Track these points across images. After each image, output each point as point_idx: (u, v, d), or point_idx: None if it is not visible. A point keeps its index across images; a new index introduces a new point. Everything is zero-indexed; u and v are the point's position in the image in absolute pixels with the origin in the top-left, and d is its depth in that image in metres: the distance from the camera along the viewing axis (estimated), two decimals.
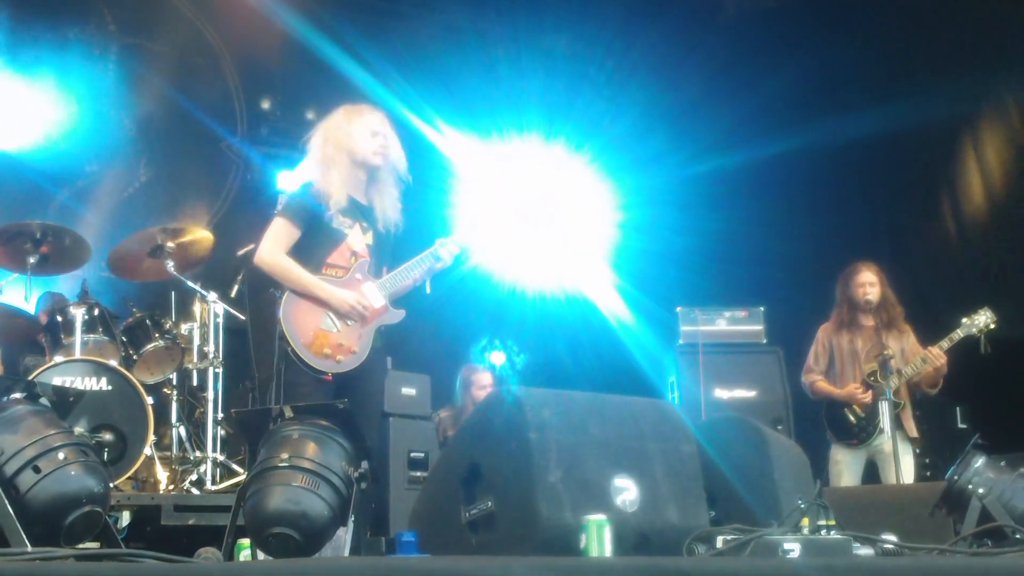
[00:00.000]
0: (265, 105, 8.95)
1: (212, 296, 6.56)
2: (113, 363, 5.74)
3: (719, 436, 4.06)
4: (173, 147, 8.81)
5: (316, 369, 4.45)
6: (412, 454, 5.89)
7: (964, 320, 6.34)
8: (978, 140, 8.53)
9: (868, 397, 6.34)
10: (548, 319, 10.89)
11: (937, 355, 6.23)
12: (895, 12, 8.65)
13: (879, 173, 9.13)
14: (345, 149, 4.65)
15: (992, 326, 6.32)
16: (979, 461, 3.91)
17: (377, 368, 4.70)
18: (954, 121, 8.60)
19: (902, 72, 8.88)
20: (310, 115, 8.88)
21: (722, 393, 7.61)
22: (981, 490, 3.82)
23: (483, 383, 7.14)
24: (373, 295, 4.62)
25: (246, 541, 3.32)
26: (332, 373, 4.48)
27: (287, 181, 8.72)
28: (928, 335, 6.48)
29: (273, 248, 4.59)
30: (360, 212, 4.68)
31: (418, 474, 5.80)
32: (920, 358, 6.29)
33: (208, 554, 3.55)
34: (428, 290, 4.83)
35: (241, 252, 6.71)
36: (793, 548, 2.95)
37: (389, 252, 4.81)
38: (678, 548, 3.19)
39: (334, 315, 4.53)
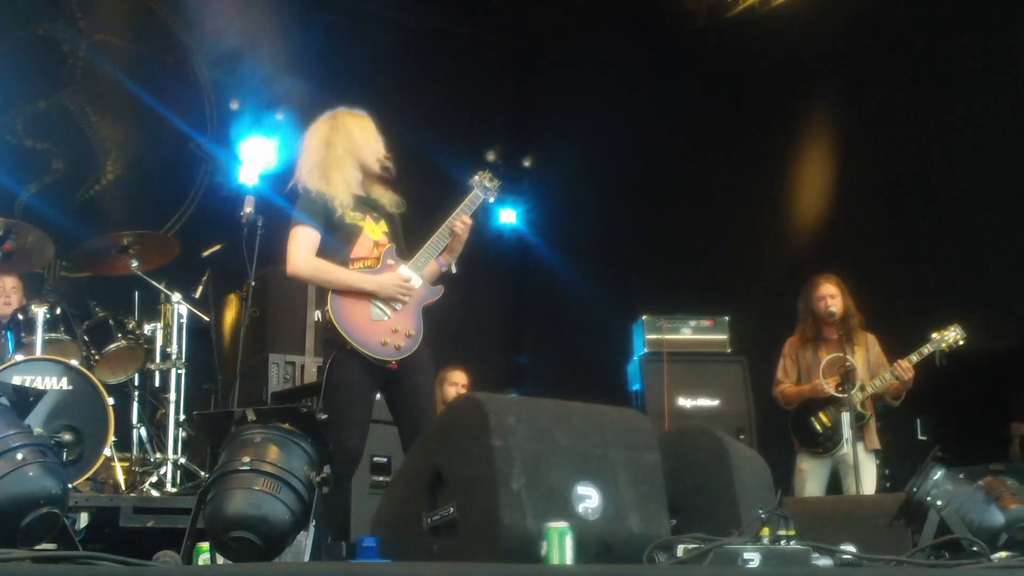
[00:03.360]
0: (234, 105, 8.91)
1: (176, 297, 6.52)
2: (74, 363, 5.68)
3: (682, 446, 4.08)
4: (142, 146, 8.76)
5: (382, 359, 4.50)
6: (375, 458, 5.86)
7: (934, 335, 6.40)
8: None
9: (832, 390, 6.34)
10: (516, 324, 10.94)
11: (906, 368, 6.29)
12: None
13: (843, 183, 9.20)
14: (353, 153, 4.73)
15: (961, 342, 6.38)
16: (938, 473, 3.95)
17: (426, 359, 4.72)
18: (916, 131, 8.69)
19: (868, 78, 8.96)
20: (279, 116, 8.87)
21: (686, 402, 7.64)
22: (940, 502, 3.86)
23: (455, 380, 7.12)
24: (411, 276, 4.68)
25: (206, 544, 3.30)
26: (396, 360, 4.53)
27: (247, 175, 8.72)
28: (893, 346, 6.54)
29: (305, 255, 4.62)
30: (366, 204, 4.76)
31: (381, 479, 5.78)
32: (888, 372, 6.34)
33: (167, 557, 3.51)
34: (454, 270, 4.88)
35: (206, 253, 6.68)
36: (753, 558, 2.96)
37: (401, 234, 4.88)
38: (639, 556, 3.20)
39: (382, 303, 4.59)
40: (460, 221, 4.79)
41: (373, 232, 4.74)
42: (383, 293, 4.59)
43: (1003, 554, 3.79)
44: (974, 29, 8.16)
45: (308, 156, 4.77)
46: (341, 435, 4.44)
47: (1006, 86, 8.00)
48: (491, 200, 5.04)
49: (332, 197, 4.63)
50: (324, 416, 4.42)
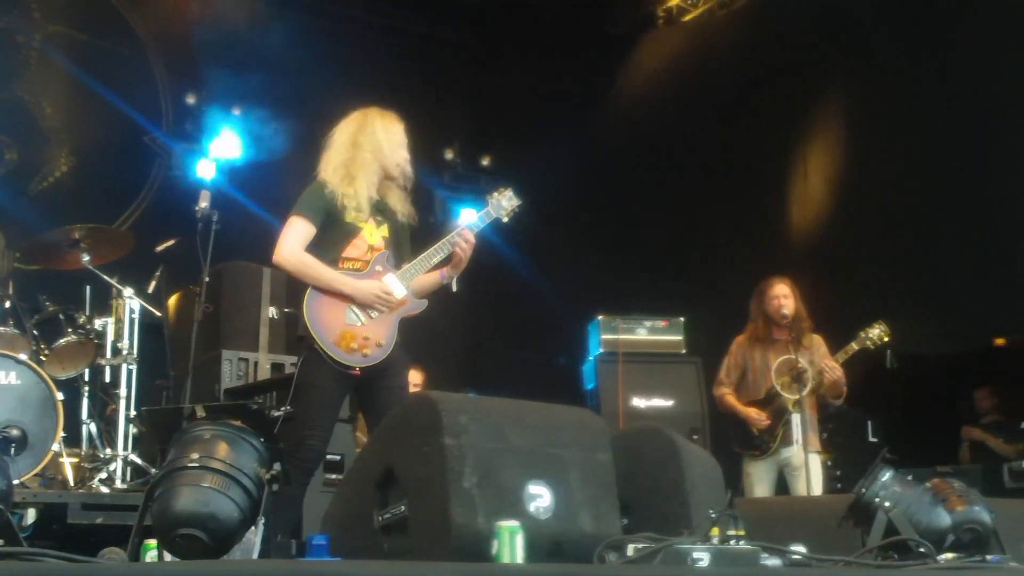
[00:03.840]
0: (191, 100, 8.84)
1: (128, 292, 6.44)
2: (23, 357, 5.60)
3: (634, 446, 4.09)
4: (96, 138, 8.67)
5: (345, 364, 4.48)
6: (328, 456, 5.82)
7: (860, 333, 6.49)
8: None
9: (765, 423, 6.44)
10: (473, 324, 10.92)
11: (833, 367, 6.35)
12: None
13: (798, 188, 9.28)
14: (379, 158, 4.70)
15: (886, 339, 6.45)
16: (886, 475, 3.99)
17: (401, 362, 4.71)
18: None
19: (823, 83, 9.04)
20: (236, 111, 8.82)
21: (640, 402, 7.69)
22: (888, 503, 3.90)
23: (410, 380, 7.08)
24: (395, 286, 4.65)
25: (153, 542, 3.26)
26: (360, 368, 4.50)
27: (206, 169, 8.66)
28: (838, 348, 6.61)
29: (293, 246, 4.59)
30: (376, 208, 4.72)
31: (333, 477, 5.75)
32: (818, 370, 6.40)
33: (112, 554, 3.48)
34: (454, 288, 4.88)
35: (160, 248, 6.61)
36: (702, 557, 2.97)
37: (407, 245, 4.84)
38: (590, 556, 3.20)
39: (358, 309, 4.56)
40: (462, 239, 4.75)
41: (371, 236, 4.70)
42: (360, 299, 4.56)
43: (949, 555, 3.84)
44: (928, 37, 8.26)
45: (335, 153, 4.74)
46: (303, 434, 4.45)
47: (950, 92, 8.11)
48: (504, 220, 5.03)
49: (347, 195, 4.61)
50: (290, 411, 4.44)
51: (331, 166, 4.70)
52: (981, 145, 8.01)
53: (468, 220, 4.92)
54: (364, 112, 4.83)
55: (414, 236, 4.90)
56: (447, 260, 4.80)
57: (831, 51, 8.80)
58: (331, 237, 4.64)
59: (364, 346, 4.54)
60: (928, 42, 8.26)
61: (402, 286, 4.67)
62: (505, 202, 4.99)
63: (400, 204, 4.80)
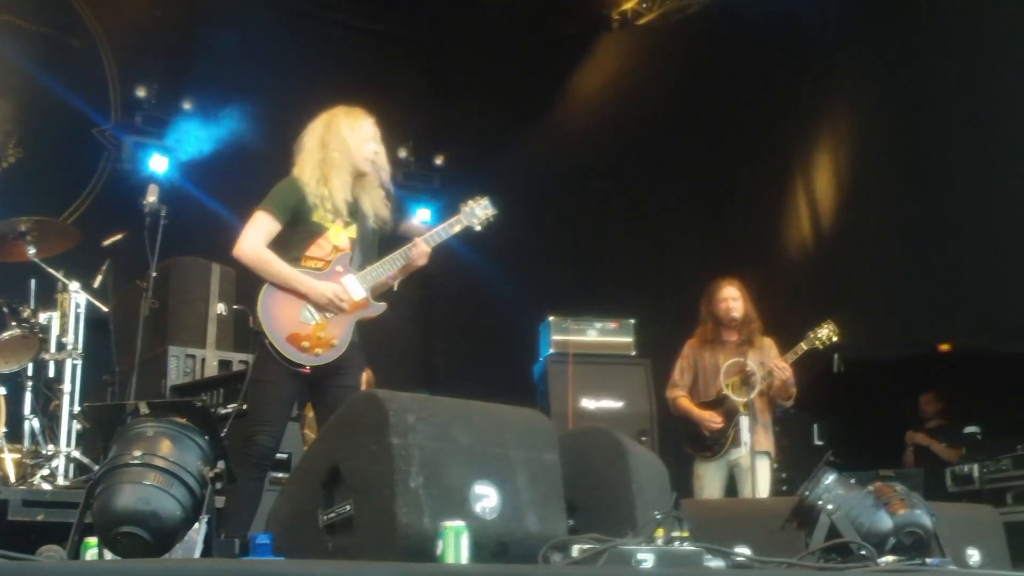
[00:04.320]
0: (141, 93, 8.74)
1: (74, 286, 6.36)
2: None
3: (582, 447, 4.10)
4: (44, 129, 8.56)
5: (294, 363, 4.46)
6: (275, 455, 5.79)
7: (809, 334, 6.56)
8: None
9: (719, 425, 6.49)
10: (427, 325, 10.90)
11: (782, 368, 6.41)
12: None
13: (749, 190, 9.35)
14: (346, 155, 4.68)
15: (835, 339, 6.52)
16: (830, 478, 4.04)
17: (355, 362, 4.71)
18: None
19: (774, 88, 9.11)
20: (186, 105, 8.74)
21: (589, 403, 7.70)
22: (831, 506, 3.95)
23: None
24: (354, 288, 4.64)
25: (94, 540, 3.22)
26: (310, 366, 4.49)
27: (160, 165, 8.58)
28: (787, 351, 6.67)
29: (254, 241, 4.57)
30: (347, 208, 4.70)
31: (280, 475, 5.71)
32: (767, 371, 6.46)
33: (51, 552, 3.43)
34: (394, 288, 4.84)
35: (107, 242, 6.53)
36: (646, 558, 2.99)
37: (375, 248, 4.82)
38: (536, 556, 3.20)
39: (313, 308, 4.54)
40: (418, 251, 4.75)
41: (336, 236, 4.68)
42: (315, 299, 4.55)
43: (890, 558, 3.89)
44: (882, 45, 8.36)
45: (308, 155, 4.72)
46: (253, 430, 4.46)
47: (901, 99, 8.22)
48: (477, 228, 5.00)
49: (323, 196, 4.61)
50: (242, 408, 4.41)
51: (308, 168, 4.68)
52: (929, 153, 8.11)
53: (432, 227, 4.90)
54: (331, 112, 4.83)
55: (383, 240, 4.89)
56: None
57: (782, 58, 8.88)
58: (296, 235, 4.63)
59: (317, 345, 4.53)
60: (882, 50, 8.37)
61: (361, 288, 4.66)
62: (479, 211, 5.00)
63: (374, 206, 4.78)
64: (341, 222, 4.69)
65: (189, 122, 8.91)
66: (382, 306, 4.76)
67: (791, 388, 6.54)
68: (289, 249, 4.60)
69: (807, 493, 4.03)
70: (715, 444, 6.54)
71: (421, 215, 10.55)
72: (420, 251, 4.76)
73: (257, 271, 4.61)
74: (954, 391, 8.90)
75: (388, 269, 4.73)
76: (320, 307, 4.56)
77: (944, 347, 8.30)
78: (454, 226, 4.92)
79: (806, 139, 8.92)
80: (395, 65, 10.91)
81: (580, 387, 7.69)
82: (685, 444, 6.70)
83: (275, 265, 4.55)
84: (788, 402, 6.73)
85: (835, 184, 8.75)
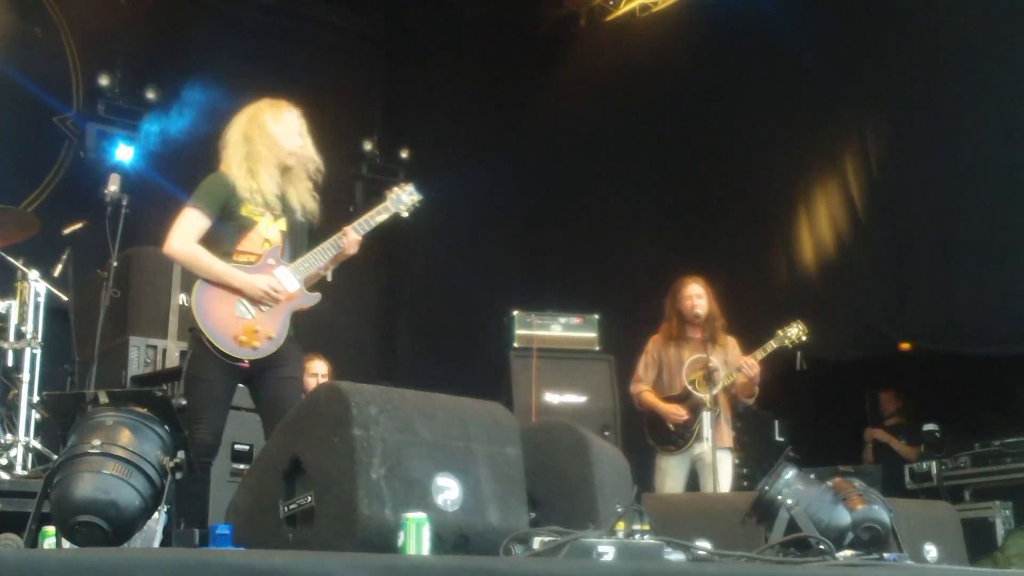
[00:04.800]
0: (103, 81, 8.66)
1: (34, 274, 6.29)
2: None
3: (544, 441, 4.11)
4: (3, 117, 8.45)
5: (233, 357, 4.46)
6: (236, 446, 5.77)
7: (778, 332, 6.62)
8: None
9: (684, 418, 6.53)
10: (391, 317, 10.87)
11: (751, 364, 6.47)
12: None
13: (714, 188, 9.39)
14: (270, 148, 4.66)
15: (804, 338, 6.59)
16: (789, 473, 4.07)
17: (292, 354, 4.69)
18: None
19: (742, 85, 9.15)
20: (150, 94, 8.66)
21: (553, 398, 7.72)
22: (790, 501, 3.98)
23: (315, 371, 7.04)
24: (287, 280, 4.63)
25: (51, 529, 3.20)
26: (249, 360, 4.50)
27: (125, 154, 8.50)
28: (749, 349, 6.72)
29: (184, 237, 4.56)
30: (275, 201, 4.68)
31: (241, 467, 5.69)
32: (736, 368, 6.51)
33: (7, 540, 3.40)
34: (329, 278, 4.84)
35: (68, 230, 6.47)
36: (607, 551, 2.99)
37: (304, 241, 4.81)
38: (497, 548, 3.20)
39: (247, 302, 4.54)
40: (348, 240, 4.76)
41: (266, 229, 4.68)
42: (249, 293, 4.55)
43: (848, 552, 3.92)
44: (846, 45, 8.42)
45: (233, 149, 4.71)
46: (193, 427, 4.42)
47: (866, 97, 8.27)
48: (404, 215, 5.01)
49: (251, 190, 4.60)
50: (183, 404, 4.39)
51: (234, 162, 4.68)
52: (889, 158, 8.19)
53: (363, 216, 4.89)
54: (255, 105, 4.81)
55: (313, 233, 4.88)
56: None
57: (748, 56, 8.93)
58: (226, 230, 4.62)
59: (254, 339, 4.53)
60: (847, 50, 8.43)
61: (295, 280, 4.67)
62: (405, 197, 5.00)
63: (301, 199, 4.77)
64: (271, 215, 4.68)
65: (153, 112, 8.83)
66: (316, 296, 4.77)
67: (755, 387, 6.59)
68: (220, 244, 4.60)
69: (767, 488, 4.06)
70: (679, 438, 6.58)
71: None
72: (350, 240, 4.77)
73: (189, 267, 4.64)
74: (913, 390, 8.99)
75: (320, 260, 4.74)
76: (255, 300, 4.56)
77: (905, 346, 8.37)
78: (382, 213, 4.93)
79: (770, 138, 8.96)
80: (360, 59, 10.87)
81: (544, 382, 7.71)
82: (648, 438, 6.74)
83: (207, 260, 4.55)
84: (751, 400, 6.79)
85: (798, 185, 8.81)
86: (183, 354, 4.74)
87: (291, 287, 4.64)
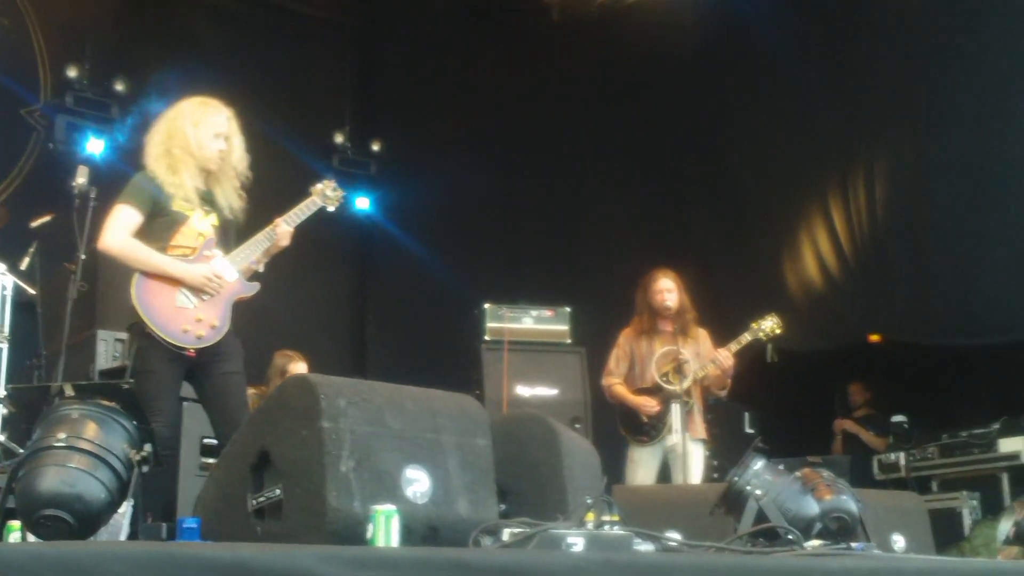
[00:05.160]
0: (72, 72, 8.58)
1: (1, 267, 6.24)
2: None
3: (514, 432, 4.11)
4: None
5: (178, 346, 4.47)
6: (205, 440, 5.74)
7: (752, 325, 6.65)
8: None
9: (655, 410, 6.55)
10: (363, 312, 10.83)
11: (725, 357, 6.50)
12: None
13: (687, 182, 9.42)
14: (189, 152, 4.68)
15: (778, 331, 6.62)
16: (758, 464, 4.08)
17: (234, 348, 4.72)
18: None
19: (716, 78, 9.18)
20: (119, 86, 8.60)
21: (524, 390, 7.73)
22: (759, 491, 3.99)
23: (296, 372, 7.01)
24: (225, 269, 4.66)
25: (17, 523, 3.17)
26: (195, 348, 4.51)
27: (96, 147, 8.43)
28: (723, 340, 6.75)
29: (117, 233, 4.59)
30: (202, 197, 4.72)
31: (210, 461, 5.66)
32: (710, 360, 6.54)
33: None
34: (260, 269, 4.85)
35: (35, 223, 6.42)
36: (576, 542, 3.00)
37: (233, 237, 4.84)
38: (466, 540, 3.20)
39: (188, 292, 4.56)
40: (281, 231, 4.79)
41: (199, 223, 4.71)
42: (190, 281, 4.58)
43: (816, 542, 3.94)
44: (818, 44, 8.46)
45: (154, 146, 4.75)
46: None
47: (836, 94, 8.31)
48: (330, 209, 5.10)
49: (174, 185, 4.63)
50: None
51: (152, 156, 4.72)
52: (863, 147, 8.24)
53: (291, 210, 4.93)
54: (179, 105, 4.84)
55: (239, 232, 4.91)
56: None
57: (725, 49, 8.96)
58: (159, 225, 4.65)
59: (198, 327, 4.56)
60: (825, 43, 8.47)
61: (233, 269, 4.71)
62: (330, 192, 5.07)
63: (228, 199, 4.81)
64: (202, 210, 4.72)
65: (122, 104, 8.76)
66: (255, 286, 4.81)
67: (728, 379, 6.63)
68: (154, 240, 4.62)
69: (736, 479, 4.07)
70: (652, 430, 6.60)
71: (361, 204, 10.47)
72: (283, 231, 4.80)
73: (126, 262, 4.63)
74: (882, 382, 9.05)
75: (255, 251, 4.78)
76: (196, 289, 4.59)
77: (874, 338, 8.43)
78: (309, 207, 4.96)
79: (742, 131, 9.00)
80: (330, 48, 10.82)
81: (515, 374, 7.72)
82: (621, 428, 6.75)
83: (143, 253, 4.58)
84: (723, 392, 6.82)
85: (769, 177, 8.85)
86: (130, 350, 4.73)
87: (229, 276, 4.69)
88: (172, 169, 4.66)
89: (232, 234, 4.85)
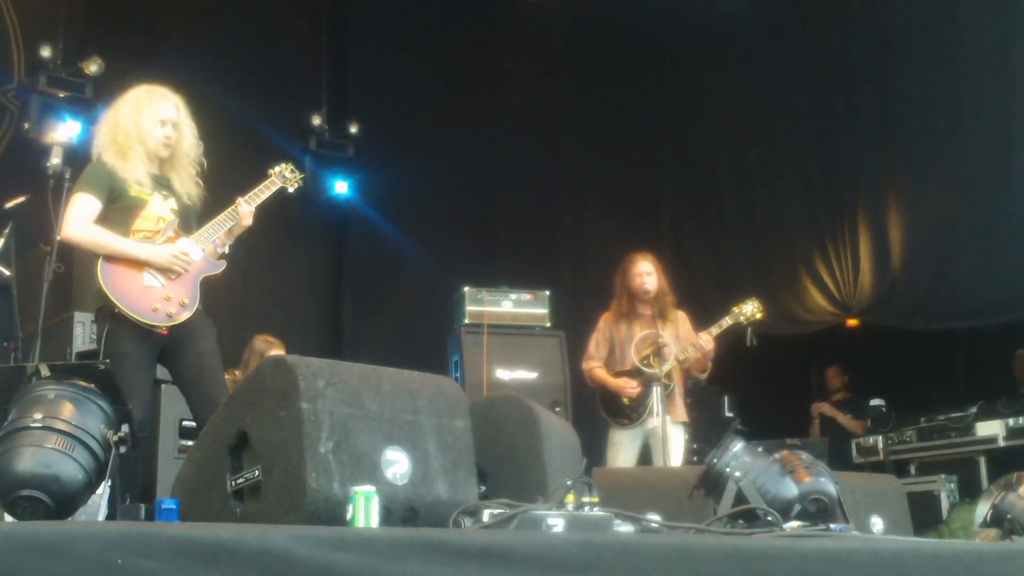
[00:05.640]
0: (45, 53, 8.48)
1: None
2: None
3: (493, 414, 4.10)
4: None
5: (150, 325, 4.46)
6: (184, 422, 5.71)
7: (733, 309, 6.67)
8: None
9: (636, 391, 6.56)
10: (340, 295, 10.80)
11: (706, 341, 6.51)
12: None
13: (665, 170, 9.42)
14: (135, 139, 4.68)
15: (759, 316, 6.64)
16: (737, 446, 4.09)
17: (206, 327, 4.72)
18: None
19: (689, 77, 9.18)
20: (93, 67, 8.51)
21: (504, 374, 7.72)
22: (738, 473, 4.00)
23: (271, 353, 6.97)
24: (190, 249, 4.67)
25: None
26: (167, 327, 4.50)
27: (67, 131, 8.34)
28: (701, 324, 6.76)
29: (79, 221, 4.58)
30: (158, 183, 4.73)
31: (189, 443, 5.63)
32: (691, 344, 6.55)
33: None
34: (226, 250, 4.86)
35: (9, 204, 6.35)
36: (556, 523, 3.00)
37: (194, 222, 4.84)
38: (446, 522, 3.20)
39: (156, 272, 4.56)
40: (243, 211, 4.81)
41: (158, 207, 4.71)
42: (156, 261, 4.57)
43: (795, 523, 3.95)
44: (796, 20, 8.47)
45: (105, 132, 4.76)
46: None
47: (814, 79, 8.33)
48: (290, 190, 5.13)
49: (125, 170, 4.64)
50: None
51: (102, 143, 4.73)
52: (842, 129, 8.25)
53: (252, 191, 4.95)
54: (126, 95, 4.83)
55: (201, 215, 4.91)
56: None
57: (700, 33, 8.95)
58: (118, 211, 4.64)
59: (167, 306, 4.55)
60: (799, 28, 8.48)
61: (198, 248, 4.71)
62: (288, 174, 5.12)
63: (183, 185, 4.82)
64: (160, 195, 4.73)
65: (95, 84, 8.67)
66: (222, 263, 4.82)
67: (708, 363, 6.64)
68: (115, 225, 4.62)
69: (715, 461, 4.08)
70: (632, 412, 6.61)
71: (340, 188, 10.42)
72: (245, 211, 4.82)
73: (91, 248, 4.62)
74: (860, 365, 9.09)
75: (217, 231, 4.78)
76: (163, 269, 4.58)
77: (852, 322, 8.46)
78: (269, 188, 4.99)
79: (719, 114, 9.01)
80: (304, 29, 10.74)
81: (495, 358, 7.71)
82: (602, 411, 6.76)
83: (107, 238, 4.56)
84: (703, 375, 6.83)
85: (748, 162, 8.86)
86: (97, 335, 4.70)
87: (195, 255, 4.69)
88: (121, 155, 4.67)
89: (192, 220, 4.85)
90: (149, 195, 4.67)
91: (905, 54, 7.84)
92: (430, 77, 10.13)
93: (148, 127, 4.71)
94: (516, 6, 9.63)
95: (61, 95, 8.53)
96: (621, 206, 9.38)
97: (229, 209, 4.82)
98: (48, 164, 5.57)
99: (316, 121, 10.21)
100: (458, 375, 7.70)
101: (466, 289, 7.98)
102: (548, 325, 8.07)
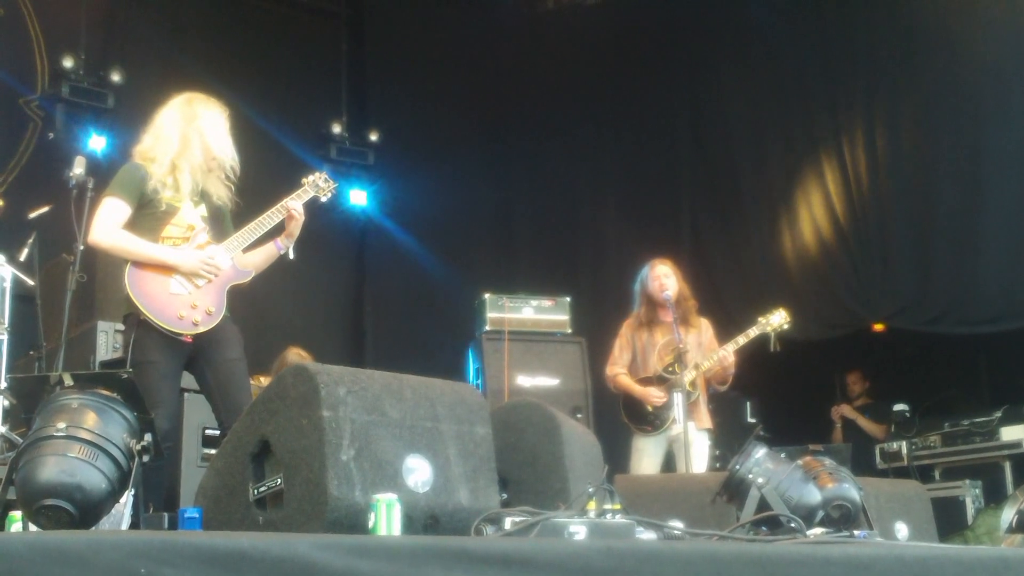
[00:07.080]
0: (67, 63, 8.54)
1: (0, 259, 6.22)
2: None
3: (514, 421, 4.10)
4: None
5: (175, 332, 4.45)
6: (207, 431, 5.73)
7: (760, 319, 6.63)
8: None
9: (662, 400, 6.54)
10: (361, 304, 10.81)
11: (725, 355, 6.49)
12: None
13: (684, 175, 9.40)
14: (207, 154, 4.69)
15: (786, 326, 6.61)
16: (760, 452, 4.07)
17: (233, 334, 4.70)
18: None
19: (708, 80, 9.16)
20: (115, 76, 8.56)
21: (525, 381, 7.72)
22: (760, 480, 3.98)
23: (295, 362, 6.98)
24: (219, 256, 4.64)
25: (18, 514, 3.15)
26: (192, 335, 4.50)
27: (98, 144, 8.39)
28: (721, 331, 6.73)
29: (107, 226, 4.57)
30: (191, 189, 4.69)
31: (212, 451, 5.65)
32: (714, 355, 6.52)
33: None
34: (292, 256, 4.86)
35: (33, 214, 6.39)
36: (578, 531, 2.99)
37: (228, 225, 4.83)
38: (468, 529, 3.20)
39: (182, 278, 4.55)
40: (289, 208, 4.79)
41: (189, 215, 4.69)
42: (185, 268, 4.56)
43: (818, 530, 3.93)
44: (817, 21, 8.44)
45: (165, 145, 4.69)
46: None
47: (829, 77, 8.29)
48: (323, 199, 5.10)
49: (165, 177, 4.61)
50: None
51: (159, 155, 4.67)
52: (865, 136, 8.22)
53: (289, 197, 4.92)
54: (189, 101, 4.79)
55: (235, 217, 4.90)
56: (277, 232, 4.84)
57: (721, 36, 8.94)
58: (148, 217, 4.62)
59: (193, 313, 4.54)
60: (820, 30, 8.46)
61: (227, 256, 4.69)
62: (322, 183, 5.09)
63: (216, 190, 4.79)
64: (191, 202, 4.70)
65: (118, 94, 8.72)
66: (249, 272, 4.80)
67: (728, 375, 6.62)
68: (144, 232, 4.60)
69: (737, 467, 4.06)
70: (656, 419, 6.60)
71: (357, 198, 10.42)
72: (295, 206, 4.80)
73: (118, 253, 4.62)
74: (883, 370, 9.04)
75: (251, 236, 4.77)
76: (190, 275, 4.57)
77: (878, 327, 8.42)
78: (302, 196, 4.96)
79: (742, 119, 8.98)
80: (323, 37, 10.77)
81: (516, 365, 7.70)
82: (625, 418, 6.74)
83: (135, 244, 4.55)
84: (723, 387, 6.81)
85: (769, 165, 8.83)
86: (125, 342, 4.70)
87: (224, 263, 4.67)
88: (172, 167, 4.63)
89: (223, 224, 4.83)
90: (180, 201, 4.66)
91: (929, 56, 7.80)
92: (449, 84, 10.14)
93: (217, 145, 4.71)
94: (535, 13, 9.64)
95: (83, 104, 8.59)
96: (641, 211, 9.37)
97: (270, 211, 4.79)
98: (71, 174, 5.60)
99: (336, 129, 10.24)
100: (479, 382, 7.70)
101: (486, 296, 7.99)
102: (569, 331, 8.06)
